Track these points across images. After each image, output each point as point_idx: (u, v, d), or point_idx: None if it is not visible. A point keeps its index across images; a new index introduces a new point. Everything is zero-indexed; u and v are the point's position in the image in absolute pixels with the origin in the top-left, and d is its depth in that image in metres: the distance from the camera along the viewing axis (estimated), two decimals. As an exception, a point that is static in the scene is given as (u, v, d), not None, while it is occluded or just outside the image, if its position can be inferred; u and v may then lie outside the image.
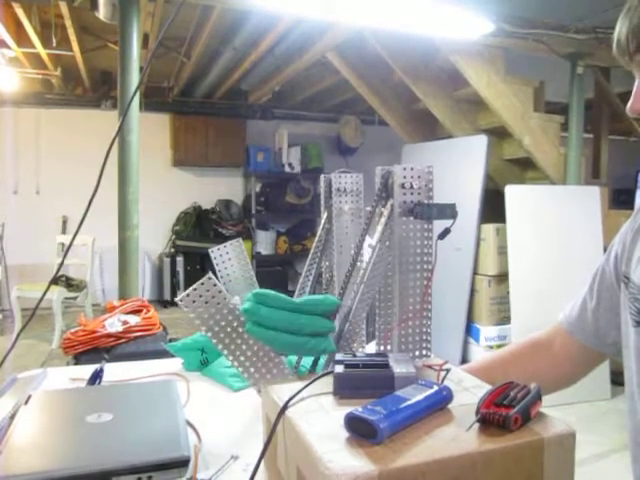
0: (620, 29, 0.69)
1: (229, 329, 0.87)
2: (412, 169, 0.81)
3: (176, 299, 0.88)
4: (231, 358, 0.88)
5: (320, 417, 0.59)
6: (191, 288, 0.85)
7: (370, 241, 0.86)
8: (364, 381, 0.64)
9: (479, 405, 0.57)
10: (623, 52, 0.70)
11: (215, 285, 0.85)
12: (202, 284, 0.85)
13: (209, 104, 6.36)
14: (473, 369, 0.87)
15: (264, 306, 0.80)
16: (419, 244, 0.82)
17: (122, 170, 2.96)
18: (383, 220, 0.83)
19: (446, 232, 0.81)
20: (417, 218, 0.81)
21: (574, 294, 0.91)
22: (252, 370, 0.91)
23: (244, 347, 0.89)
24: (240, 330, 0.87)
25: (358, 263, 0.91)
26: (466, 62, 3.56)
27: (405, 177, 0.81)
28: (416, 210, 0.80)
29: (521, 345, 0.94)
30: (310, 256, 1.14)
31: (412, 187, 0.81)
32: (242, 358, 0.90)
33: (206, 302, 0.85)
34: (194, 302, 0.85)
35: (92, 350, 1.67)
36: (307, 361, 1.19)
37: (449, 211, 0.80)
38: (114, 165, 2.92)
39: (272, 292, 0.81)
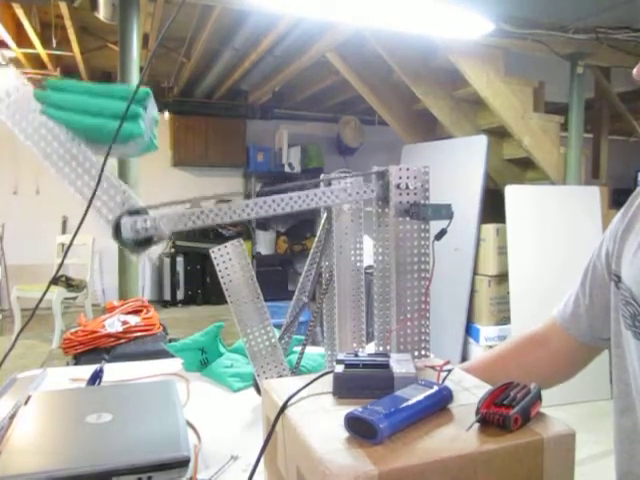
0: None
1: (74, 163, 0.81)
2: (408, 169, 0.81)
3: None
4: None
5: (320, 417, 0.59)
6: None
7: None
8: (364, 381, 0.64)
9: (479, 405, 0.57)
10: None
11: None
12: None
13: (209, 104, 6.36)
14: (473, 367, 0.87)
15: (57, 91, 0.78)
16: (416, 245, 0.82)
17: (122, 170, 2.96)
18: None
19: (442, 233, 0.81)
20: (413, 218, 0.81)
21: (568, 289, 0.91)
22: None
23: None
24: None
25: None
26: (466, 62, 3.56)
27: (401, 177, 0.81)
28: (412, 210, 0.80)
29: (519, 341, 0.93)
30: (310, 256, 1.14)
31: (408, 187, 0.81)
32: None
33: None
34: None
35: (92, 350, 1.66)
36: (307, 362, 1.19)
37: (444, 211, 0.80)
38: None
39: (68, 80, 0.80)
